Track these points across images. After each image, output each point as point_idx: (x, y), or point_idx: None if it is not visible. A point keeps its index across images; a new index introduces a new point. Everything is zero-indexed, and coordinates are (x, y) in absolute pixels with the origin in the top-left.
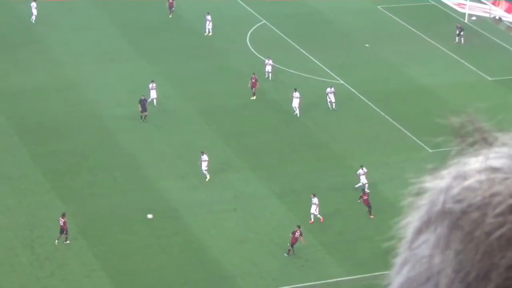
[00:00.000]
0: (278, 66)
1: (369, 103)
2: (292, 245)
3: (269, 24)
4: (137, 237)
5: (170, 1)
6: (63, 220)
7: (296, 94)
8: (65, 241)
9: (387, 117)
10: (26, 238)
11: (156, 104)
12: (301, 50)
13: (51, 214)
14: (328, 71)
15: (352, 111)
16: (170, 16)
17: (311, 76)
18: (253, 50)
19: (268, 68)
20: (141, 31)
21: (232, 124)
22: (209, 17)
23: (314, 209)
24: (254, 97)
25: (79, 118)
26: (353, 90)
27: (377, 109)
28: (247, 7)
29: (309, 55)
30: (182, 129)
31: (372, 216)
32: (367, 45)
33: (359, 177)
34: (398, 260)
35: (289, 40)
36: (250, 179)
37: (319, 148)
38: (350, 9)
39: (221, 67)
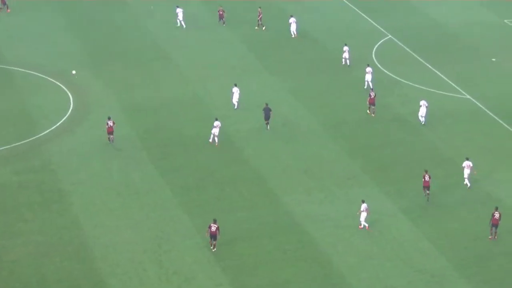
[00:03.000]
0: (403, 80)
1: (496, 118)
2: (425, 188)
3: (394, 39)
4: (263, 251)
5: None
6: (216, 226)
7: (423, 102)
8: (213, 249)
9: None
10: (154, 252)
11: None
12: (426, 64)
13: (178, 229)
14: (454, 85)
15: (478, 126)
16: (256, 28)
17: (436, 91)
18: (378, 65)
19: (368, 77)
20: (266, 46)
21: (357, 138)
22: (292, 19)
23: (363, 217)
24: (373, 115)
25: (206, 133)
26: (479, 105)
27: (505, 125)
28: (373, 22)
29: (434, 69)
30: (307, 143)
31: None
32: (493, 59)
33: None
34: None
35: (415, 54)
36: (376, 195)
37: (445, 163)
38: (476, 23)
39: (347, 81)
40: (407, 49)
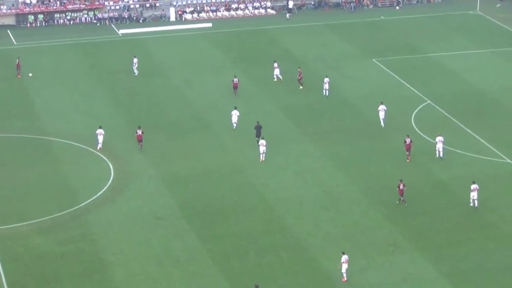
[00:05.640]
0: (444, 146)
1: None
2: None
3: (433, 104)
4: None
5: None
6: None
7: (439, 138)
8: None
9: None
10: None
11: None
12: (466, 129)
13: None
14: (494, 149)
15: None
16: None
17: (477, 155)
18: (418, 131)
19: (381, 115)
20: (305, 113)
21: (398, 204)
22: (276, 65)
23: (344, 269)
24: (408, 160)
25: (246, 201)
26: None
27: None
28: (412, 88)
29: (474, 134)
30: (347, 210)
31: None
32: None
33: None
34: None
35: (454, 119)
36: (418, 260)
37: (487, 228)
38: None
39: (385, 147)
40: (447, 114)
